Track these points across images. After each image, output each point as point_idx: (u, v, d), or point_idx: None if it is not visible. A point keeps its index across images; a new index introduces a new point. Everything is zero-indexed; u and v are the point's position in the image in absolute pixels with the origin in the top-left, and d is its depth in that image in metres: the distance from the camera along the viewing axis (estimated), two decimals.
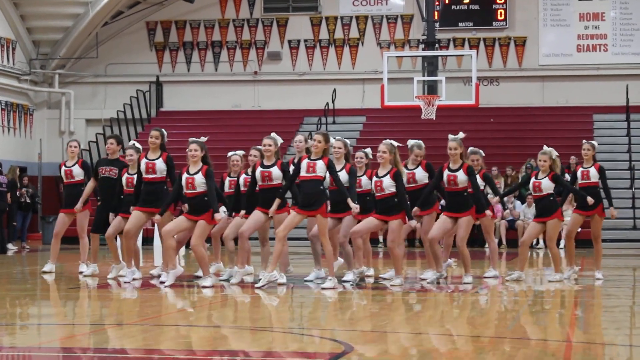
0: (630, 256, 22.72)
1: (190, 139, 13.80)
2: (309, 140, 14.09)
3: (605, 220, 20.66)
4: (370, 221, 13.87)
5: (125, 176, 14.79)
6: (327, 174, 13.50)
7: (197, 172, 13.56)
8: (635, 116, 30.60)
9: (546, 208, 14.67)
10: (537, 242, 24.77)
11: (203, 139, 13.91)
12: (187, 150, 13.72)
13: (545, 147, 14.88)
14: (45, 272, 16.14)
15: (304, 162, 13.44)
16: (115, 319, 11.04)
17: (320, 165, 13.36)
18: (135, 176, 14.62)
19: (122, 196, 14.80)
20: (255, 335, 9.59)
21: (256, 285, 13.50)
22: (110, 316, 11.35)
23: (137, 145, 15.00)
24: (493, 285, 14.69)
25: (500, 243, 25.75)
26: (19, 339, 9.43)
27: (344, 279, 14.27)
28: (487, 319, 11.11)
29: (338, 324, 10.49)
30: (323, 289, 13.39)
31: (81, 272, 15.87)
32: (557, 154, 14.80)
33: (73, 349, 8.87)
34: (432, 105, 26.38)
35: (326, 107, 31.59)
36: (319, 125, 30.60)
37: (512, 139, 30.15)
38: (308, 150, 13.80)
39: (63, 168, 16.09)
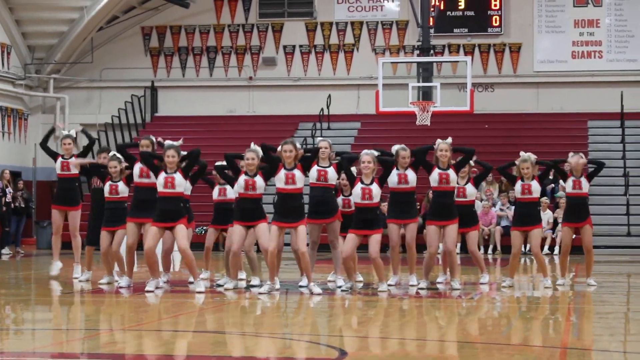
0: (624, 263, 22.73)
1: (167, 144, 13.83)
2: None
3: (600, 226, 20.64)
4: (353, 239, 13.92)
5: (108, 184, 14.74)
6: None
7: (175, 172, 13.66)
8: (630, 123, 30.61)
9: (532, 217, 14.67)
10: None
11: (180, 142, 13.95)
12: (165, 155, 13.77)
13: (522, 154, 14.87)
14: (53, 275, 16.05)
15: (282, 174, 13.50)
16: (109, 324, 11.03)
17: (299, 176, 13.50)
18: (119, 184, 14.64)
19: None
20: (249, 341, 9.58)
21: (260, 291, 13.66)
22: (104, 322, 11.34)
23: (118, 155, 14.94)
24: (485, 291, 14.68)
25: (495, 249, 25.76)
26: (13, 344, 9.41)
27: (338, 284, 14.29)
28: (481, 325, 11.11)
29: (332, 330, 10.48)
30: (312, 293, 13.42)
31: (76, 278, 15.84)
32: (536, 157, 14.85)
33: (66, 354, 8.85)
34: (427, 111, 26.39)
35: (321, 113, 31.59)
36: (313, 131, 30.61)
37: (507, 145, 30.10)
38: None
39: (60, 159, 15.99)
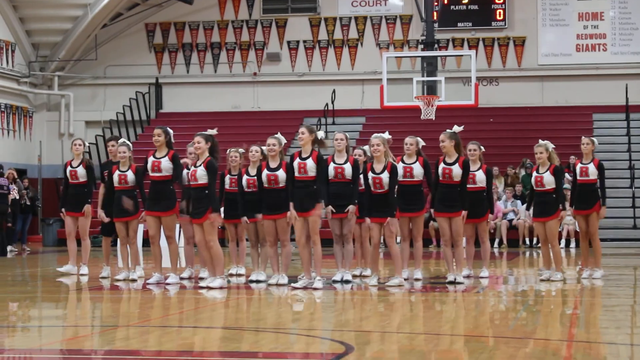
0: (630, 255, 22.71)
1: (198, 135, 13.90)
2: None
3: (605, 219, 20.44)
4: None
5: (116, 173, 14.79)
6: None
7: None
8: (635, 115, 30.60)
9: (548, 206, 14.55)
10: (538, 242, 24.66)
11: (211, 131, 13.87)
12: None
13: (540, 141, 14.81)
14: (63, 274, 16.12)
15: (295, 163, 13.52)
16: (116, 320, 11.05)
17: (311, 165, 13.42)
18: (127, 173, 14.67)
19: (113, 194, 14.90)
20: (257, 336, 9.59)
21: (294, 285, 13.67)
22: (111, 318, 11.35)
23: (128, 142, 14.99)
24: (485, 285, 14.60)
25: (501, 243, 25.74)
26: (20, 341, 9.44)
27: (345, 278, 14.30)
28: (488, 319, 11.11)
29: (339, 325, 10.48)
30: (314, 289, 13.40)
31: (83, 274, 15.90)
32: (554, 146, 14.75)
33: (74, 350, 8.87)
34: (432, 106, 26.37)
35: (326, 108, 31.59)
36: (318, 126, 30.60)
37: (512, 138, 30.17)
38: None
39: (69, 168, 16.07)
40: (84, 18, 31.77)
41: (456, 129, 14.41)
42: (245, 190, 14.50)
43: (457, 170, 14.18)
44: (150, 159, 14.25)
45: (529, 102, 31.82)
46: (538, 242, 24.46)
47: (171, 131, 14.51)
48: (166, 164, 14.18)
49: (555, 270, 14.89)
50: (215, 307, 12.29)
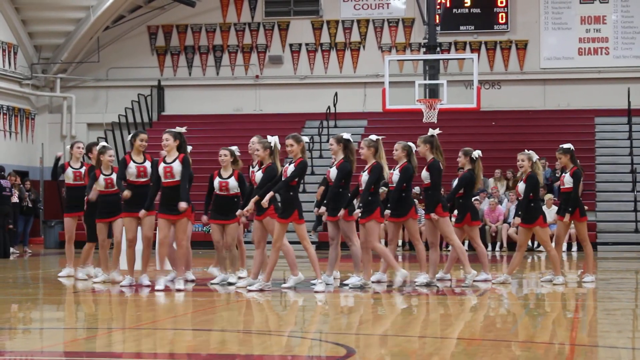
0: (631, 259, 22.70)
1: (166, 130, 13.93)
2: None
3: (607, 223, 20.48)
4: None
5: (102, 177, 14.76)
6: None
7: (174, 161, 13.75)
8: (637, 119, 30.57)
9: (528, 214, 14.66)
10: (539, 245, 24.61)
11: (179, 129, 13.96)
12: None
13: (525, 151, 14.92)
14: (62, 277, 16.14)
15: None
16: (115, 323, 11.05)
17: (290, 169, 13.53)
18: (112, 176, 14.66)
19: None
20: (257, 339, 9.59)
21: (250, 288, 13.66)
22: (110, 320, 11.35)
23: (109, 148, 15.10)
24: (484, 288, 14.54)
25: (502, 246, 25.73)
26: (21, 344, 9.44)
27: (346, 282, 14.32)
28: (489, 322, 11.10)
29: (340, 328, 10.48)
30: (315, 292, 13.40)
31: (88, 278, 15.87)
32: (537, 157, 14.88)
33: (74, 353, 8.87)
34: (434, 109, 26.38)
35: (328, 111, 31.59)
36: (320, 129, 30.62)
37: (514, 142, 30.12)
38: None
39: (70, 169, 16.01)
40: (87, 20, 31.79)
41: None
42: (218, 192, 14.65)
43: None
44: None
45: (531, 105, 31.82)
46: (539, 245, 24.46)
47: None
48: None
49: (554, 274, 14.94)
50: (215, 310, 12.28)
